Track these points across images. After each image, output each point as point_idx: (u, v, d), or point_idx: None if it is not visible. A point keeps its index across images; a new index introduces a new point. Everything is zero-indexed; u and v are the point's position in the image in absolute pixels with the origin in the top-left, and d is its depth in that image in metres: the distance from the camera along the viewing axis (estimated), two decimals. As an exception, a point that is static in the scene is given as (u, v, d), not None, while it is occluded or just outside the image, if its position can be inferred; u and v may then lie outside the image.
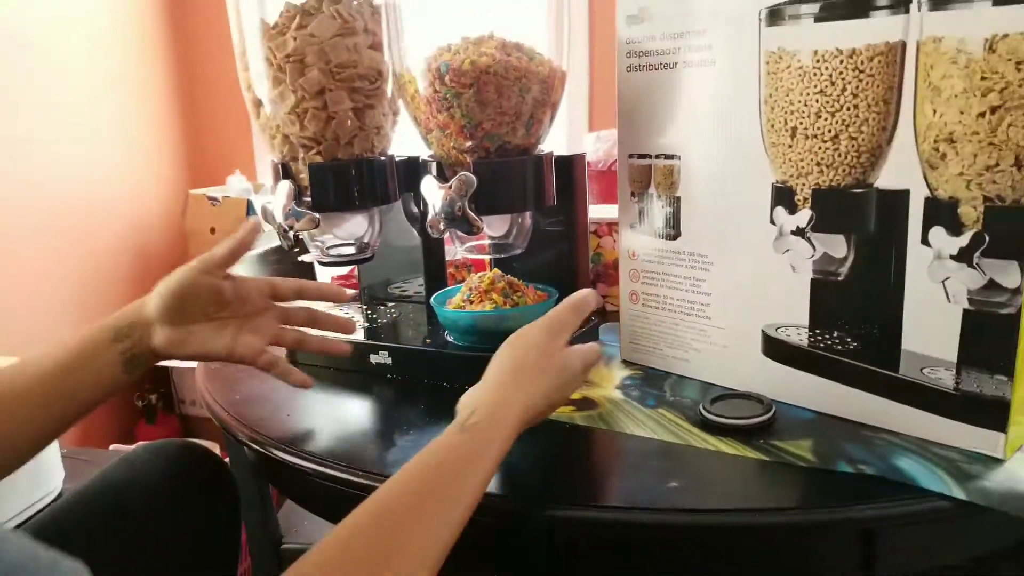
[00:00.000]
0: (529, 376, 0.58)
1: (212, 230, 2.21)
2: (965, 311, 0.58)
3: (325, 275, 1.25)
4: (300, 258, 0.85)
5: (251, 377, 0.84)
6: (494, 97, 0.70)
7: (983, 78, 0.54)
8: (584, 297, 0.65)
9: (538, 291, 0.84)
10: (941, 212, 0.58)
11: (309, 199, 0.78)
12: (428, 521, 0.48)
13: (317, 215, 0.78)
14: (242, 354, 0.70)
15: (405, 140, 0.84)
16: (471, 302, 0.80)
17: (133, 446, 0.93)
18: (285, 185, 0.78)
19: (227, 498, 0.79)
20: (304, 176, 0.78)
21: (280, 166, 0.79)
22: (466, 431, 0.53)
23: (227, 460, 0.82)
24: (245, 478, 0.82)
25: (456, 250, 0.86)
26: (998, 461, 0.58)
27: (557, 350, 0.61)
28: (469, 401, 0.57)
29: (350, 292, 0.79)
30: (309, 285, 0.76)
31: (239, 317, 0.71)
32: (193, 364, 0.92)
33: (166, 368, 2.24)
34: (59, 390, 0.63)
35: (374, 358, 0.83)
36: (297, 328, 0.75)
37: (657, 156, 0.75)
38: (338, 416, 0.75)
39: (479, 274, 0.85)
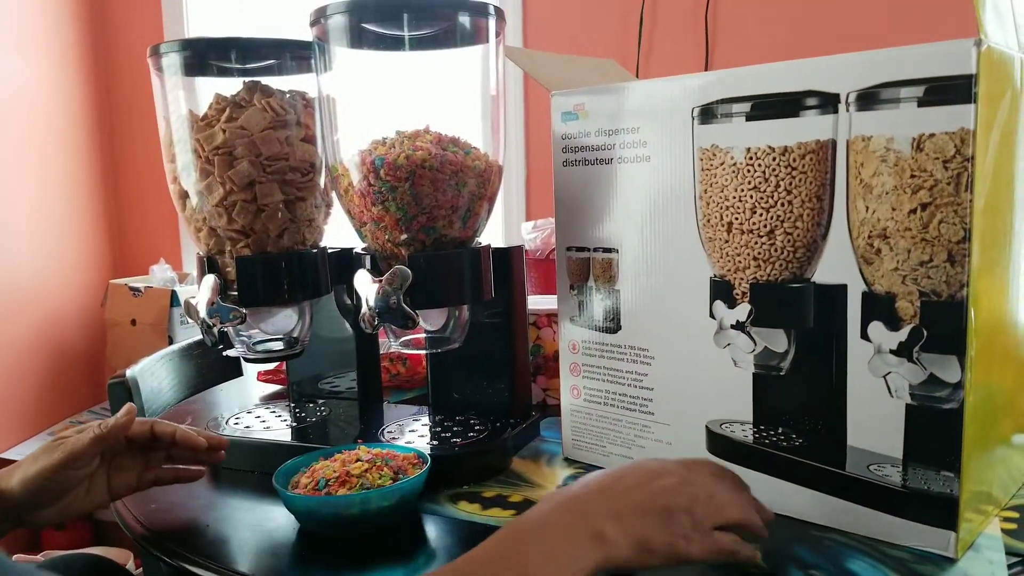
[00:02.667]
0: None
1: (133, 322, 2.12)
2: (908, 406, 0.57)
3: (251, 371, 1.20)
4: (225, 353, 0.81)
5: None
6: (430, 191, 0.69)
7: (912, 176, 0.55)
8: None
9: (405, 454, 0.71)
10: (879, 307, 0.58)
11: (235, 293, 0.75)
12: None
13: (243, 310, 0.75)
14: (123, 494, 0.69)
15: (338, 232, 0.82)
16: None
17: (39, 556, 0.86)
18: (210, 279, 0.75)
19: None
20: (231, 270, 0.75)
21: (206, 259, 0.76)
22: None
23: (141, 573, 0.75)
24: (159, 597, 0.75)
25: (390, 343, 0.83)
26: (950, 560, 0.56)
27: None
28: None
29: (222, 453, 0.73)
30: (181, 437, 0.70)
31: (103, 470, 0.68)
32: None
33: (78, 468, 2.10)
34: None
35: (303, 461, 0.78)
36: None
37: (595, 249, 0.74)
38: (263, 526, 0.70)
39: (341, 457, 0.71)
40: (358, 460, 0.69)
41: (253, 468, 0.80)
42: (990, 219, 0.56)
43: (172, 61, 0.75)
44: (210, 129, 0.73)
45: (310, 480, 0.67)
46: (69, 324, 2.34)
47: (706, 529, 0.50)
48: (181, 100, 0.76)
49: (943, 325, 0.55)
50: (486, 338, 0.84)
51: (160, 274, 2.22)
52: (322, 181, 0.79)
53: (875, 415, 0.59)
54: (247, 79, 0.74)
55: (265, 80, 0.75)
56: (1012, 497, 0.66)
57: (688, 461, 0.54)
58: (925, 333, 0.56)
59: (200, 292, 0.75)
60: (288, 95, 0.75)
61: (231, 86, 0.74)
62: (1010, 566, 0.55)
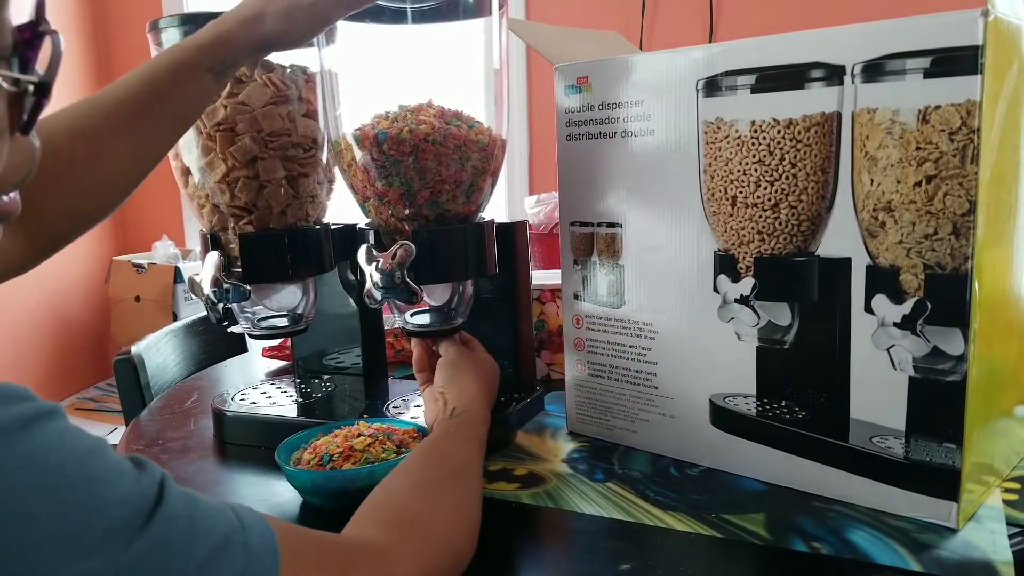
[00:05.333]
0: (476, 378, 0.73)
1: (137, 298, 2.13)
2: (911, 379, 0.58)
3: (256, 347, 1.20)
4: (230, 329, 0.81)
5: (175, 460, 0.79)
6: (433, 166, 0.69)
7: (918, 148, 0.55)
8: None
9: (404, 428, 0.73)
10: (883, 280, 0.58)
11: (239, 270, 0.75)
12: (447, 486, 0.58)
13: (248, 287, 0.75)
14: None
15: (341, 208, 0.82)
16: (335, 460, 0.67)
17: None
18: (213, 256, 0.75)
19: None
20: (234, 246, 0.75)
21: (209, 236, 0.76)
22: (455, 417, 0.67)
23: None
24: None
25: (395, 319, 0.83)
26: (952, 530, 0.57)
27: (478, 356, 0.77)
28: (448, 402, 0.70)
29: None
30: None
31: None
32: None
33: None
34: (152, 101, 0.62)
35: (308, 436, 0.78)
36: None
37: (599, 224, 0.74)
38: (269, 500, 0.71)
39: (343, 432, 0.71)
40: (360, 435, 0.69)
41: (260, 444, 0.81)
42: (995, 191, 0.55)
43: (171, 36, 0.74)
44: (211, 105, 0.72)
45: (313, 456, 0.68)
46: (73, 301, 2.35)
47: None
48: (182, 76, 0.75)
49: (947, 298, 0.55)
50: (490, 313, 0.85)
51: (163, 250, 2.22)
52: (324, 157, 0.79)
53: (878, 388, 0.59)
54: (248, 54, 0.74)
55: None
56: (1013, 469, 0.67)
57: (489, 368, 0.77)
58: (929, 306, 0.56)
59: (204, 269, 0.76)
60: (289, 70, 0.75)
61: (232, 61, 0.73)
62: (1011, 536, 0.56)
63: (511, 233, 0.81)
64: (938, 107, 0.54)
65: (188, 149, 0.75)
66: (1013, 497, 0.61)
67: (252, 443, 0.81)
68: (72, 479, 0.33)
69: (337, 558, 0.44)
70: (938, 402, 0.57)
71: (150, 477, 0.37)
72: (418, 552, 0.49)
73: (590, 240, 0.75)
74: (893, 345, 0.58)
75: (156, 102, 0.62)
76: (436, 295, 0.78)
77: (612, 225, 0.73)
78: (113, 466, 0.35)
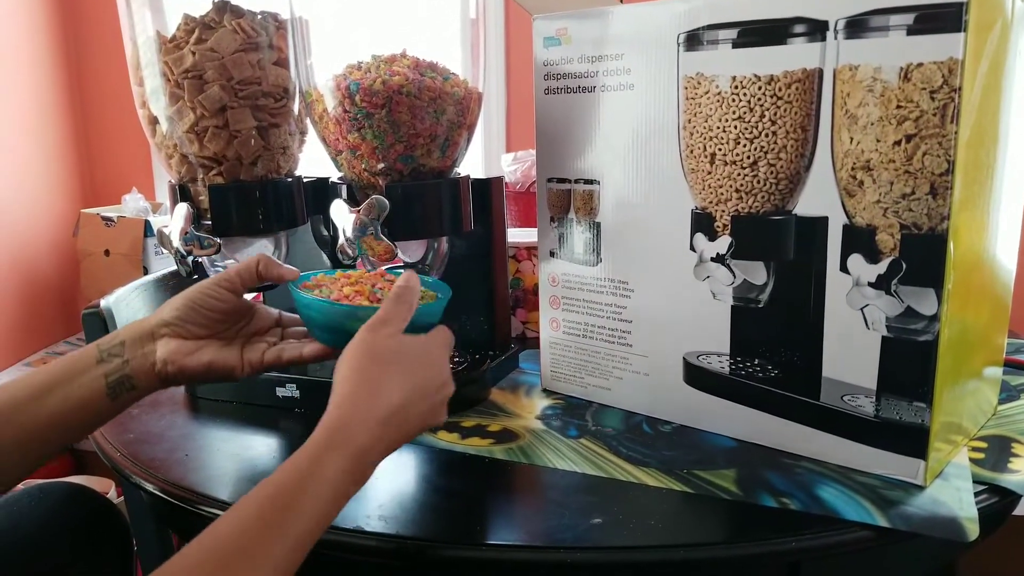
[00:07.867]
0: (369, 379, 0.52)
1: (106, 252, 2.09)
2: (884, 338, 0.58)
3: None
4: (201, 284, 0.80)
5: (145, 414, 0.78)
6: (407, 118, 0.67)
7: (898, 106, 0.54)
8: (404, 282, 0.58)
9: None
10: (859, 239, 0.58)
11: (209, 222, 0.73)
12: (261, 557, 0.44)
13: (218, 239, 0.73)
14: (251, 366, 0.63)
15: (314, 160, 0.80)
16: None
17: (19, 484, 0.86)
18: (182, 207, 0.73)
19: (117, 547, 0.73)
20: (204, 198, 0.73)
21: (178, 187, 0.74)
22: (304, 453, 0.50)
23: (123, 499, 0.76)
24: (144, 521, 0.75)
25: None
26: (919, 487, 0.58)
27: (388, 338, 0.55)
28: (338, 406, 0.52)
29: None
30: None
31: (243, 336, 0.65)
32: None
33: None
34: (40, 412, 0.57)
35: (280, 391, 0.78)
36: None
37: (576, 181, 0.73)
38: (242, 455, 0.70)
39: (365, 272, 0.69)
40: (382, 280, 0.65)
41: (231, 399, 0.80)
42: (974, 152, 0.55)
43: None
44: (179, 51, 0.70)
45: (360, 297, 0.63)
46: (41, 255, 2.30)
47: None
48: (148, 21, 0.72)
49: (922, 258, 0.55)
50: (466, 271, 0.84)
51: (133, 204, 2.18)
52: (296, 107, 0.77)
53: (851, 347, 0.60)
54: (216, -1, 0.71)
55: (235, 0, 0.72)
56: (981, 428, 0.68)
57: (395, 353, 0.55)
58: (904, 266, 0.56)
59: (173, 221, 0.74)
60: (259, 16, 0.72)
61: (200, 6, 0.71)
62: (977, 493, 0.57)
63: (487, 189, 0.80)
64: (920, 65, 0.53)
65: (156, 97, 0.73)
66: (980, 456, 0.62)
67: (223, 398, 0.80)
68: None
69: None
70: (909, 361, 0.57)
71: None
72: None
73: (567, 197, 0.74)
74: (867, 305, 0.58)
75: (45, 397, 0.57)
76: (410, 251, 0.77)
77: (589, 182, 0.72)
78: None
